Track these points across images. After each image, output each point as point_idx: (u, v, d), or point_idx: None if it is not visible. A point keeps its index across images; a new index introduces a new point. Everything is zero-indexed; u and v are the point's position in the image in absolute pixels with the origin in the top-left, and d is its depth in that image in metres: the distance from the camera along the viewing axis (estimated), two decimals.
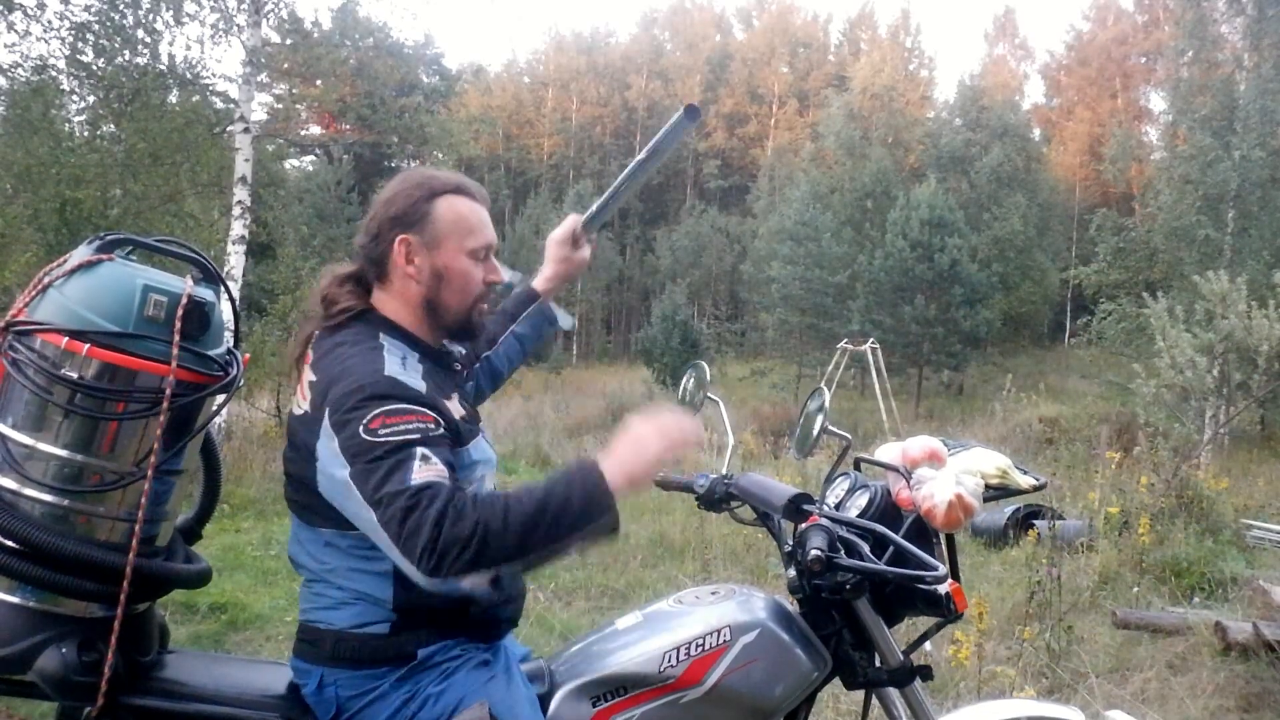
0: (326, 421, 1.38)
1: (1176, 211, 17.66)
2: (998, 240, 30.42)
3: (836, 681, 1.72)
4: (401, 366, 1.46)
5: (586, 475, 1.34)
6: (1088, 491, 6.95)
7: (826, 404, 1.88)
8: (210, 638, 4.16)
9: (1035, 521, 6.28)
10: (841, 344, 21.05)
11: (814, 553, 1.49)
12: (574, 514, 1.31)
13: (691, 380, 2.17)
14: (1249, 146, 16.84)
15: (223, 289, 1.51)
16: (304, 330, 1.59)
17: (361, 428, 1.34)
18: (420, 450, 1.33)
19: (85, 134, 9.22)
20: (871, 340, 21.08)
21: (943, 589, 1.59)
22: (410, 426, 1.35)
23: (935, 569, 1.51)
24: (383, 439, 1.33)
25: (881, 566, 1.56)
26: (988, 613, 3.68)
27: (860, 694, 1.82)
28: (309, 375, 1.49)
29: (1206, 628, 4.19)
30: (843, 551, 1.56)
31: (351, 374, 1.41)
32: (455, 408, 1.54)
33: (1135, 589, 5.22)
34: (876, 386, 19.77)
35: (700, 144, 49.68)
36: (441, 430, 1.40)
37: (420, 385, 1.44)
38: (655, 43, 54.83)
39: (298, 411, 1.49)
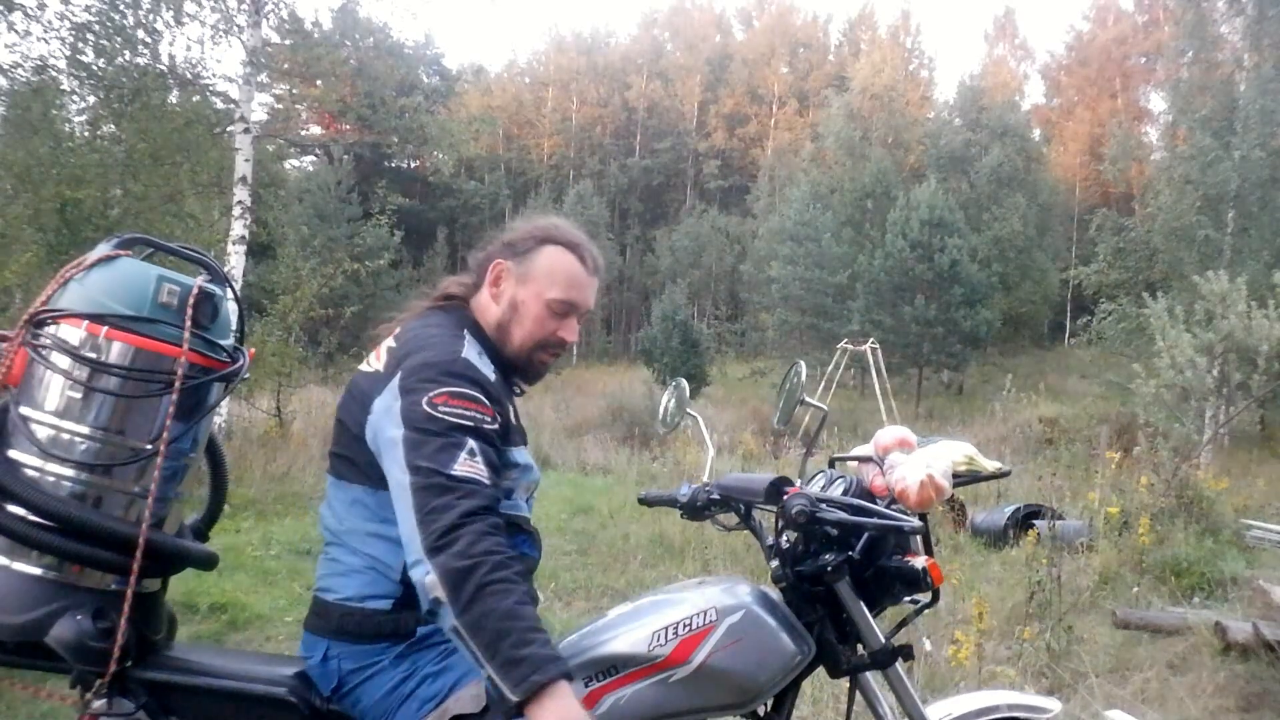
0: (396, 382, 1.48)
1: (1176, 211, 17.68)
2: (998, 240, 30.45)
3: (831, 678, 1.74)
4: (479, 357, 1.57)
5: (551, 662, 1.28)
6: (1088, 491, 6.96)
7: (803, 375, 1.96)
8: (210, 638, 4.17)
9: (1035, 521, 6.28)
10: (841, 344, 21.06)
11: (798, 507, 1.55)
12: (509, 655, 1.27)
13: (672, 400, 2.28)
14: (1249, 146, 16.85)
15: (229, 291, 1.59)
16: (409, 310, 1.71)
17: (425, 399, 1.44)
18: (470, 442, 1.42)
19: (85, 134, 9.20)
20: (871, 340, 21.09)
21: (919, 564, 1.65)
22: (468, 414, 1.45)
23: (910, 520, 1.61)
24: (441, 415, 1.43)
25: (861, 518, 1.63)
26: (988, 613, 3.68)
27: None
28: (389, 342, 1.61)
29: (1206, 628, 4.19)
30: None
31: (431, 348, 1.53)
32: (512, 411, 1.64)
33: (1135, 589, 5.22)
34: (876, 386, 19.79)
35: (700, 144, 49.69)
36: (495, 427, 1.49)
37: (490, 375, 1.56)
38: (655, 43, 54.82)
39: (367, 369, 1.59)
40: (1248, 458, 12.28)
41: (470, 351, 1.55)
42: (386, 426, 1.46)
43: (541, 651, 1.28)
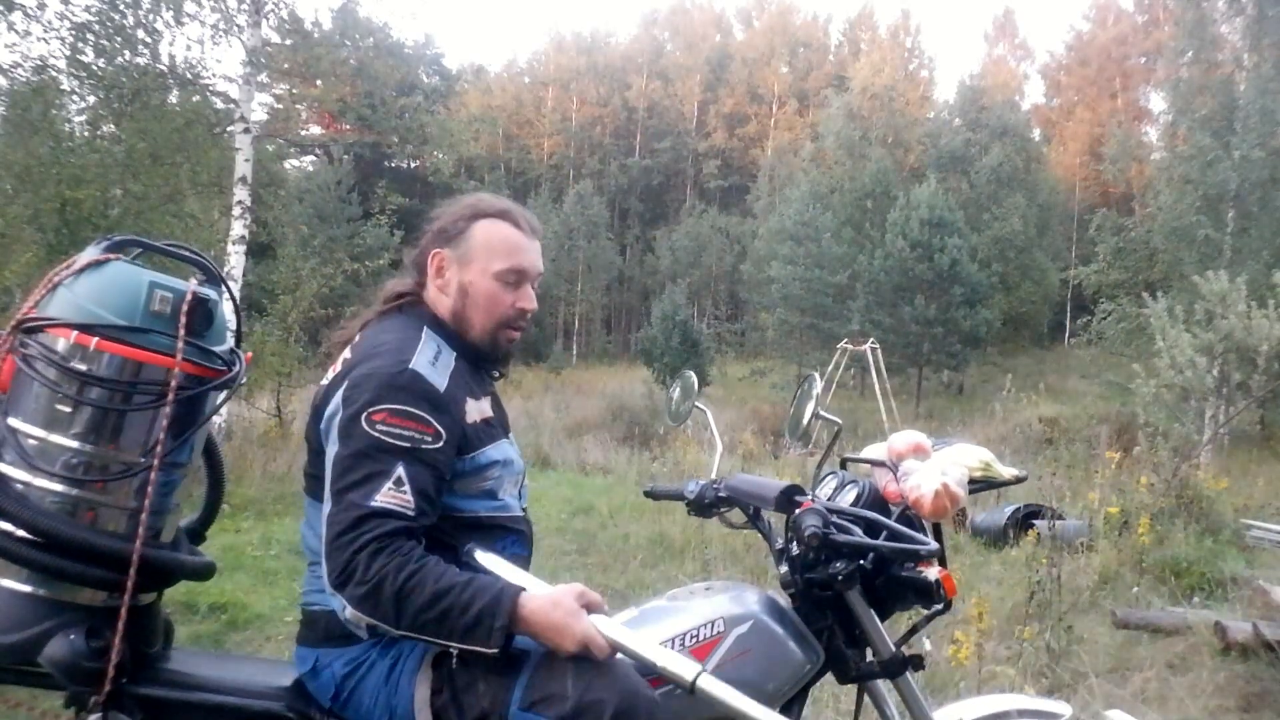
0: (340, 392, 1.47)
1: (1176, 211, 17.66)
2: (998, 240, 30.45)
3: (840, 684, 1.73)
4: (431, 362, 1.52)
5: (499, 601, 1.33)
6: (1088, 491, 6.95)
7: (818, 390, 1.92)
8: (210, 638, 4.16)
9: (1035, 521, 6.27)
10: (841, 344, 21.05)
11: (810, 529, 1.51)
12: (463, 624, 1.31)
13: (678, 390, 2.25)
14: (1249, 146, 16.84)
15: (225, 291, 1.55)
16: (360, 318, 1.68)
17: (364, 415, 1.41)
18: (400, 468, 1.39)
19: (85, 134, 9.19)
20: (871, 340, 21.08)
21: (932, 575, 1.62)
22: (406, 433, 1.42)
23: (927, 544, 1.56)
24: (377, 435, 1.40)
25: (876, 541, 1.60)
26: (988, 613, 3.67)
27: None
28: (346, 353, 1.59)
29: (1206, 628, 4.19)
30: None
31: (379, 357, 1.49)
32: (480, 408, 1.59)
33: (1135, 589, 5.21)
34: (876, 386, 19.78)
35: (700, 144, 49.67)
36: (438, 445, 1.45)
37: (441, 383, 1.50)
38: (655, 43, 54.79)
39: (325, 383, 1.56)
40: (1248, 458, 12.26)
41: (422, 359, 1.50)
42: (329, 442, 1.46)
43: (486, 599, 1.32)
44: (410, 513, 1.37)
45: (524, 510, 1.70)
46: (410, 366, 1.47)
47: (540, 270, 1.67)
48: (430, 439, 1.43)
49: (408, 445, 1.41)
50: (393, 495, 1.37)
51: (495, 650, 1.31)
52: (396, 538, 1.35)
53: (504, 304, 1.62)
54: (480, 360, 1.67)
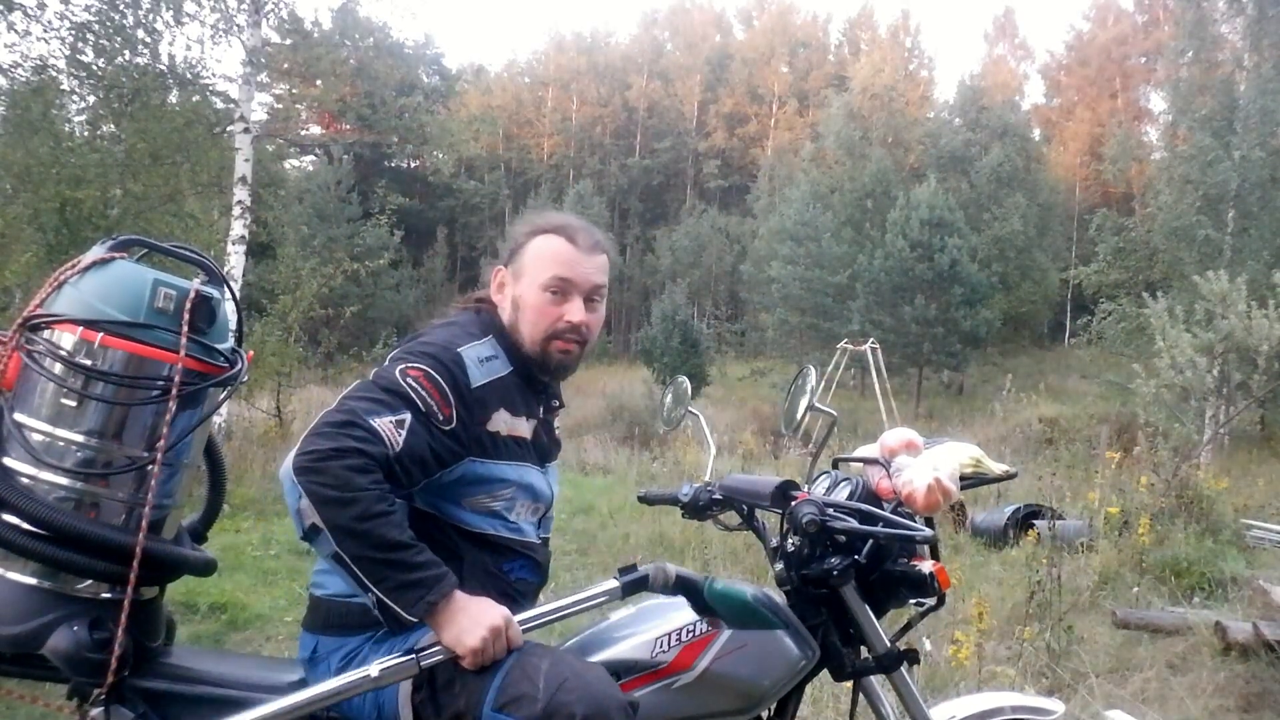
0: (392, 353, 1.58)
1: (1176, 211, 17.67)
2: (998, 240, 30.45)
3: (835, 680, 1.73)
4: (479, 360, 1.58)
5: (440, 580, 1.39)
6: (1088, 491, 6.95)
7: (812, 382, 1.90)
8: (210, 637, 4.16)
9: (1035, 521, 6.27)
10: (841, 344, 21.06)
11: (808, 516, 1.53)
12: (401, 580, 1.37)
13: (670, 397, 2.26)
14: (1249, 146, 16.85)
15: (227, 292, 1.57)
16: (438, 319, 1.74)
17: (401, 365, 1.50)
18: (409, 416, 1.44)
19: (85, 134, 9.21)
20: (871, 340, 21.08)
21: (926, 568, 1.63)
22: (426, 397, 1.47)
23: (922, 529, 1.59)
24: (404, 383, 1.47)
25: (873, 527, 1.61)
26: (988, 613, 3.67)
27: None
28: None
29: (1206, 628, 4.19)
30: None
31: (436, 334, 1.60)
32: (513, 424, 1.61)
33: (1135, 589, 5.21)
34: (876, 386, 19.79)
35: (700, 144, 49.67)
36: (447, 427, 1.49)
37: (480, 380, 1.55)
38: (655, 43, 54.79)
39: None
40: (1248, 458, 12.27)
41: (472, 353, 1.57)
42: None
43: (432, 572, 1.39)
44: (394, 451, 1.41)
45: (543, 540, 1.71)
46: (459, 350, 1.55)
47: (595, 284, 1.67)
48: (442, 419, 1.48)
49: (422, 407, 1.46)
50: (390, 427, 1.41)
51: (412, 620, 1.37)
52: (379, 467, 1.39)
53: (550, 316, 1.64)
54: (535, 377, 1.69)
